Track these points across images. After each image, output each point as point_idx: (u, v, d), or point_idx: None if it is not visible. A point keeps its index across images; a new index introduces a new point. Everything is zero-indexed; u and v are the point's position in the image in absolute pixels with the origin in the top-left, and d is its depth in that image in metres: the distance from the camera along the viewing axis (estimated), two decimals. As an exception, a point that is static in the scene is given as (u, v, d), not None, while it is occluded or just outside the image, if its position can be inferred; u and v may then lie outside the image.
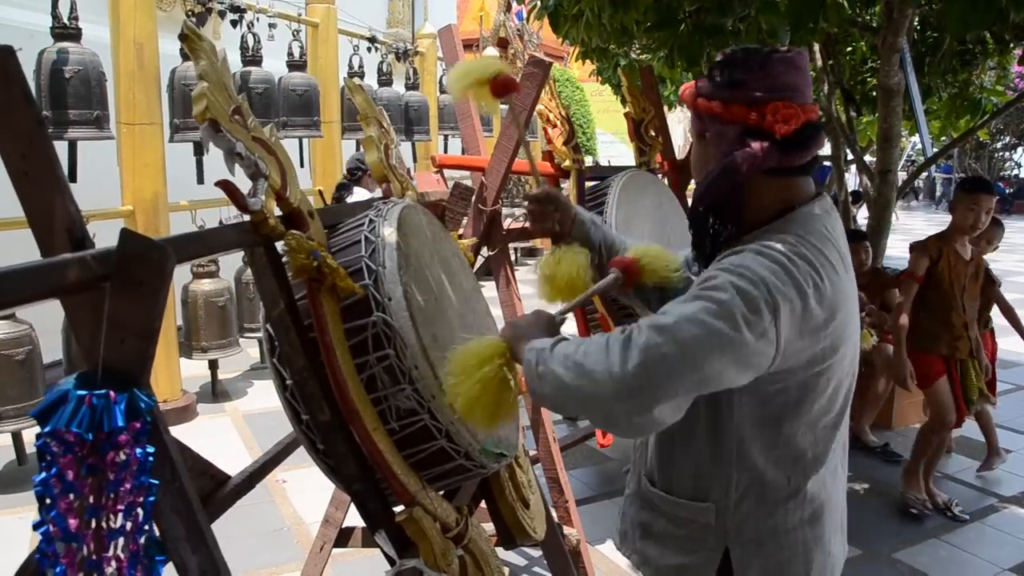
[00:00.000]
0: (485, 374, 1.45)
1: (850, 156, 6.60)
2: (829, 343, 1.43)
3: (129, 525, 1.03)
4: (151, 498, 1.04)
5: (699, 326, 1.31)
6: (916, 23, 5.27)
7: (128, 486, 1.01)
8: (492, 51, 11.80)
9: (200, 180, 5.09)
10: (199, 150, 5.18)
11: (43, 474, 0.98)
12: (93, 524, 1.01)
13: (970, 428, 5.33)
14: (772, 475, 1.51)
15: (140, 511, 1.03)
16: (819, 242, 1.45)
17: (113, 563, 1.02)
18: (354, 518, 2.45)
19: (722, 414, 1.50)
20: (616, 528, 1.79)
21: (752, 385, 1.41)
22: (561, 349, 1.41)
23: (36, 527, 0.99)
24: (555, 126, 3.39)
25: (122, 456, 1.01)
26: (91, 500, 1.01)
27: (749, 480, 1.51)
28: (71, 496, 1.00)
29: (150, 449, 1.03)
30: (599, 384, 1.33)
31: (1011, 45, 5.26)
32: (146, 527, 1.05)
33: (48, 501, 0.99)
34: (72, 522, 0.99)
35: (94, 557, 1.01)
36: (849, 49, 6.25)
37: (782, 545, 1.54)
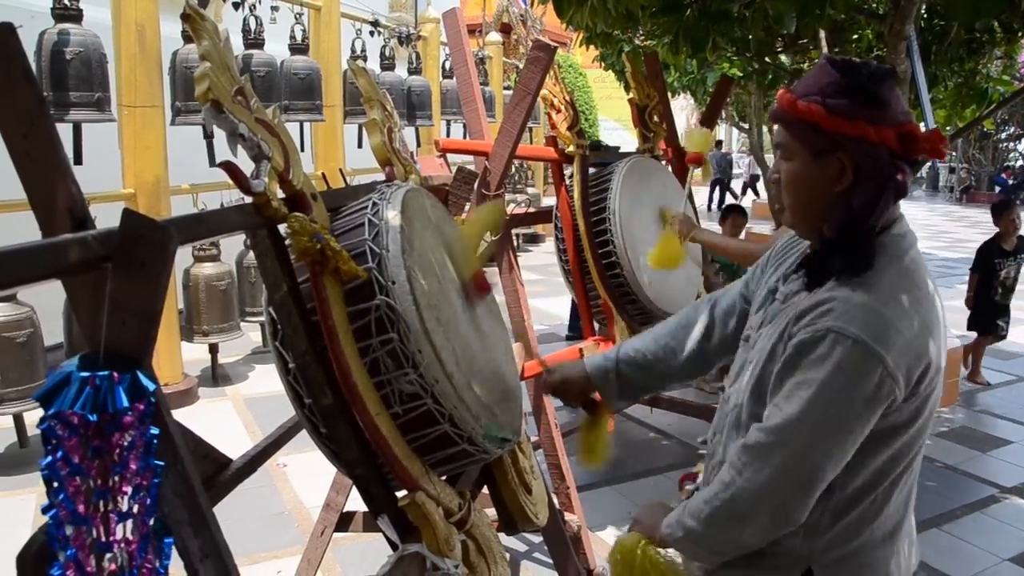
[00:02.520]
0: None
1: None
2: (932, 386, 1.43)
3: (137, 508, 1.02)
4: (157, 480, 1.03)
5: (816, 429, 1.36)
6: (923, 11, 5.23)
7: (134, 467, 1.01)
8: (495, 36, 11.77)
9: (212, 163, 5.06)
10: (208, 132, 5.15)
11: (49, 457, 0.98)
12: (101, 506, 1.01)
13: (971, 418, 5.34)
14: (860, 494, 1.46)
15: (146, 493, 1.03)
16: (916, 286, 1.43)
17: (123, 545, 1.02)
18: (355, 502, 2.45)
19: None
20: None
21: None
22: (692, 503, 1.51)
23: (45, 511, 0.98)
24: (559, 111, 3.38)
25: (127, 437, 1.00)
26: (98, 482, 1.00)
27: (838, 500, 1.46)
28: (78, 479, 0.99)
29: (155, 430, 1.02)
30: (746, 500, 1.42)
31: (1019, 34, 5.22)
32: (154, 509, 1.04)
33: (56, 484, 0.98)
34: (81, 505, 0.99)
35: (104, 539, 1.01)
36: (855, 37, 6.21)
37: (863, 564, 1.50)
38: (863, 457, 1.42)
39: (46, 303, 4.27)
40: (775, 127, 1.55)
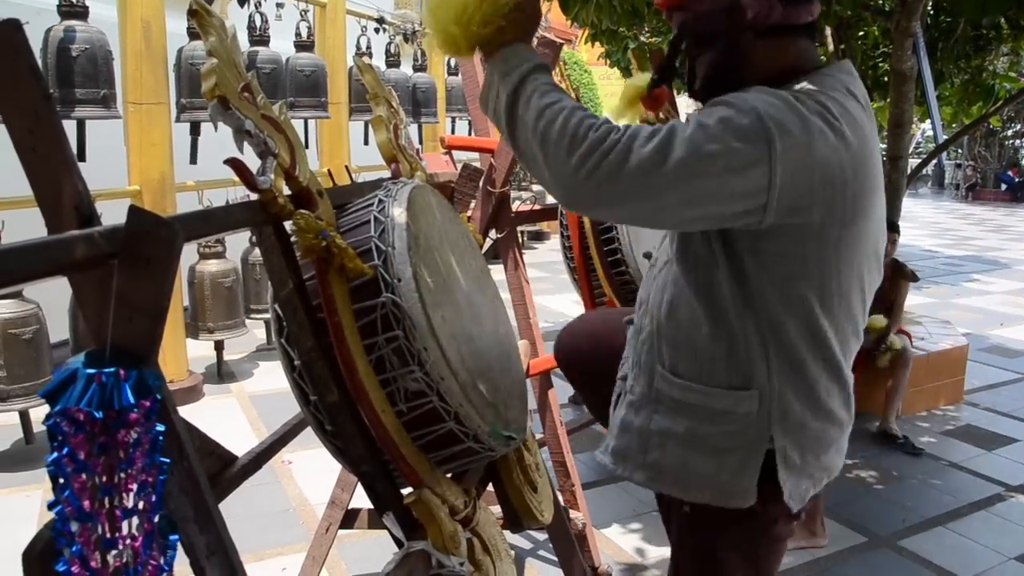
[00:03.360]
0: None
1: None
2: (851, 208, 1.35)
3: (142, 504, 1.02)
4: (162, 476, 1.03)
5: (686, 146, 1.25)
6: (930, 7, 5.21)
7: (140, 464, 1.01)
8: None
9: (193, 160, 5.07)
10: (195, 130, 5.17)
11: (55, 454, 0.98)
12: (107, 503, 1.01)
13: (976, 416, 5.33)
14: (805, 360, 1.43)
15: (152, 490, 1.03)
16: (837, 95, 1.36)
17: (128, 541, 1.02)
18: (360, 500, 2.45)
19: (749, 286, 1.41)
20: (607, 448, 1.69)
21: (764, 245, 1.36)
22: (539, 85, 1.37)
23: (51, 507, 0.98)
24: (565, 108, 3.36)
25: (133, 434, 1.00)
26: (103, 479, 1.00)
27: (786, 364, 1.43)
28: (84, 475, 0.99)
29: (161, 427, 1.02)
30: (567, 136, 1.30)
31: (1026, 31, 5.21)
32: (159, 506, 1.04)
33: (61, 481, 0.98)
34: (86, 502, 0.99)
35: (109, 536, 1.01)
36: (861, 34, 6.19)
37: (819, 439, 1.48)
38: (785, 307, 1.40)
39: (52, 300, 4.28)
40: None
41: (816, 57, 1.48)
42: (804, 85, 1.36)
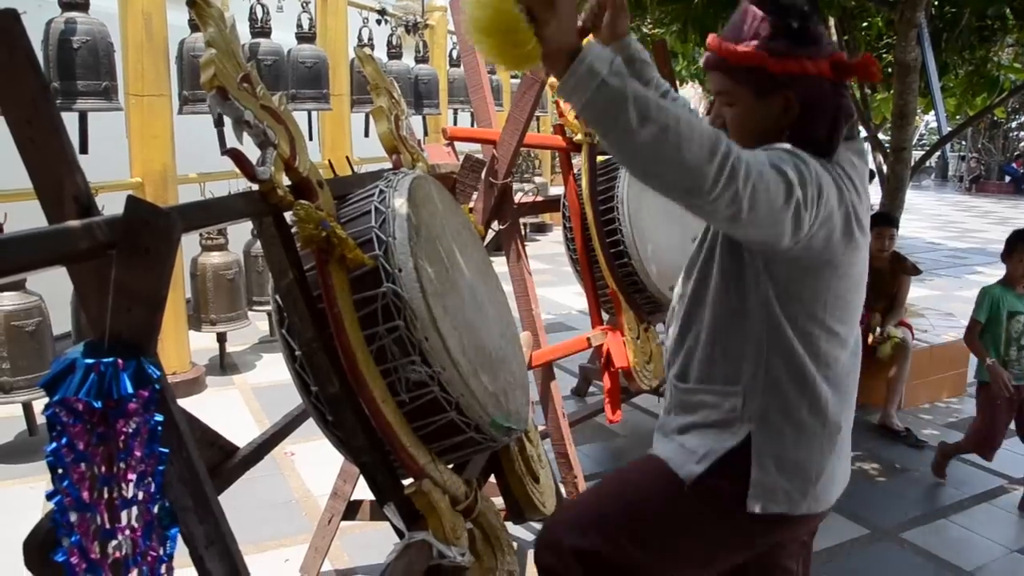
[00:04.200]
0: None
1: (863, 133, 6.54)
2: (849, 247, 1.52)
3: (141, 494, 1.02)
4: (161, 467, 1.03)
5: (776, 166, 1.37)
6: (934, -2, 5.20)
7: (139, 454, 1.01)
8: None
9: (223, 151, 5.06)
10: (220, 120, 5.15)
11: (54, 444, 0.98)
12: (106, 494, 1.01)
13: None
14: (796, 369, 1.56)
15: (151, 480, 1.03)
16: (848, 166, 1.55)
17: (127, 532, 1.02)
18: (362, 491, 2.45)
19: (748, 298, 1.56)
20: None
21: (775, 268, 1.51)
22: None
23: (49, 497, 0.98)
24: (567, 99, 3.35)
25: (132, 424, 1.00)
26: (103, 469, 1.00)
27: (776, 368, 1.57)
28: (83, 466, 0.99)
29: (159, 417, 1.02)
30: (694, 142, 1.27)
31: (1031, 21, 5.18)
32: (158, 496, 1.04)
33: (60, 471, 0.98)
34: (85, 492, 0.99)
35: (108, 526, 1.01)
36: (865, 24, 6.17)
37: (800, 443, 1.59)
38: (784, 319, 1.54)
39: (55, 292, 4.28)
40: (710, 75, 1.60)
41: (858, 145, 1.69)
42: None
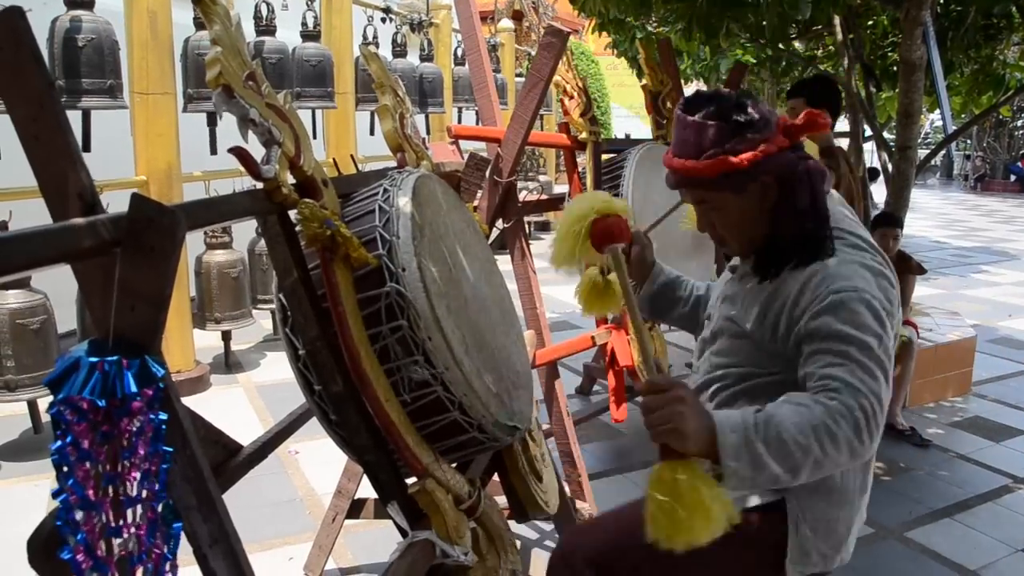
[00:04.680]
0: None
1: (868, 132, 6.52)
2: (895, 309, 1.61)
3: (145, 492, 1.02)
4: (165, 465, 1.03)
5: (872, 367, 1.45)
6: (940, -4, 5.18)
7: (143, 453, 1.01)
8: (507, 23, 11.72)
9: (213, 151, 5.07)
10: (212, 120, 5.16)
11: (58, 442, 0.98)
12: (111, 492, 1.01)
13: (984, 408, 5.31)
14: None
15: (156, 478, 1.03)
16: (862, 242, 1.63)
17: (132, 530, 1.02)
18: (366, 490, 2.45)
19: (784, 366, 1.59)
20: None
21: None
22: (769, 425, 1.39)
23: (55, 495, 0.98)
24: (572, 97, 3.35)
25: (136, 423, 1.00)
26: (107, 468, 1.00)
27: None
28: (87, 464, 0.99)
29: (163, 416, 1.02)
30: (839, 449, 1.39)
31: (1037, 20, 5.17)
32: (163, 494, 1.04)
33: (65, 469, 0.98)
34: (90, 490, 0.99)
35: (113, 524, 1.01)
36: (870, 23, 6.15)
37: (834, 503, 1.63)
38: None
39: (60, 290, 4.28)
40: (685, 191, 1.69)
41: None
42: (852, 242, 1.63)
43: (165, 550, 1.05)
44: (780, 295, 1.58)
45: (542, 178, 12.38)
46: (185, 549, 1.08)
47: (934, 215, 17.51)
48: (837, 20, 5.41)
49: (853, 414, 1.38)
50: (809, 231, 1.57)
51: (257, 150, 1.43)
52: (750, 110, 1.53)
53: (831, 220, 1.60)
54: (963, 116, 7.83)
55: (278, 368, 5.84)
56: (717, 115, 1.53)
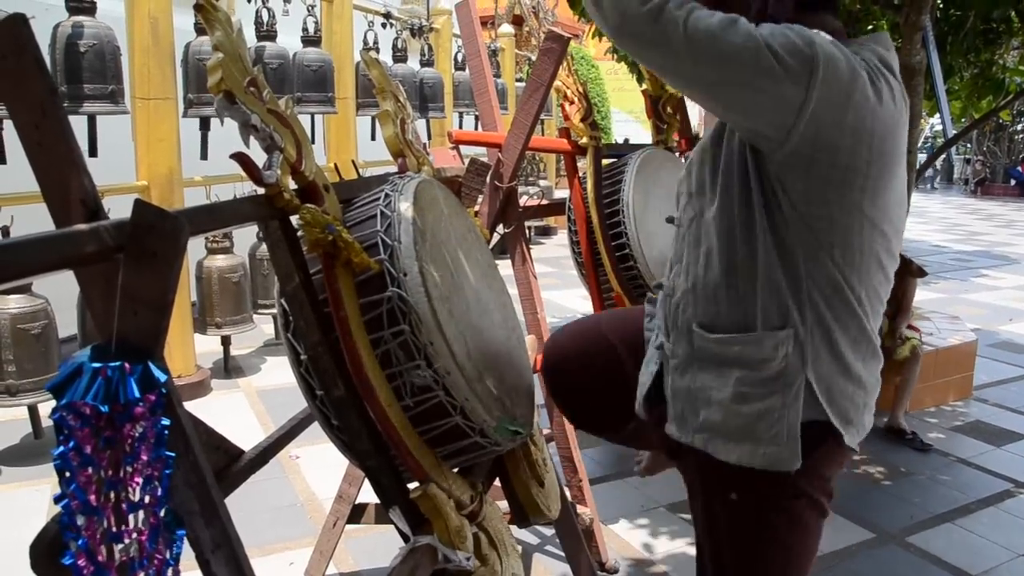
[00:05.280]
0: None
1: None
2: (876, 162, 1.41)
3: (148, 498, 1.02)
4: (168, 470, 1.03)
5: (744, 35, 1.33)
6: (939, 1, 5.18)
7: (145, 458, 1.01)
8: (508, 28, 11.74)
9: (204, 156, 5.08)
10: (205, 124, 5.17)
11: (61, 448, 0.98)
12: (112, 497, 1.01)
13: (985, 412, 5.31)
14: (827, 315, 1.47)
15: (158, 484, 1.03)
16: (875, 61, 1.44)
17: (134, 535, 1.02)
18: (367, 495, 2.45)
19: (780, 234, 1.46)
20: (670, 417, 1.67)
21: (792, 182, 1.41)
22: None
23: (57, 500, 0.99)
24: (572, 102, 3.36)
25: (138, 428, 1.00)
26: (109, 473, 1.01)
27: (814, 315, 1.47)
28: (90, 469, 0.99)
29: (166, 421, 1.02)
30: None
31: (1037, 24, 5.17)
32: (165, 500, 1.04)
33: (68, 474, 0.98)
34: (92, 495, 0.99)
35: (115, 530, 1.01)
36: (870, 28, 6.16)
37: (850, 380, 1.52)
38: (815, 246, 1.44)
39: (60, 295, 4.29)
40: None
41: (843, 30, 1.53)
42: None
43: (167, 556, 1.05)
44: None
45: (543, 183, 12.39)
46: (185, 554, 1.08)
47: (934, 219, 17.53)
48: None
49: None
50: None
51: (259, 155, 1.44)
52: None
53: None
54: (963, 120, 7.83)
55: (278, 373, 5.84)
56: None
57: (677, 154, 4.11)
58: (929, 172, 25.30)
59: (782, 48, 1.32)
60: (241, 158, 1.37)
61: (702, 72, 1.39)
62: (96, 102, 4.44)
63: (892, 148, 1.44)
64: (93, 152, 4.30)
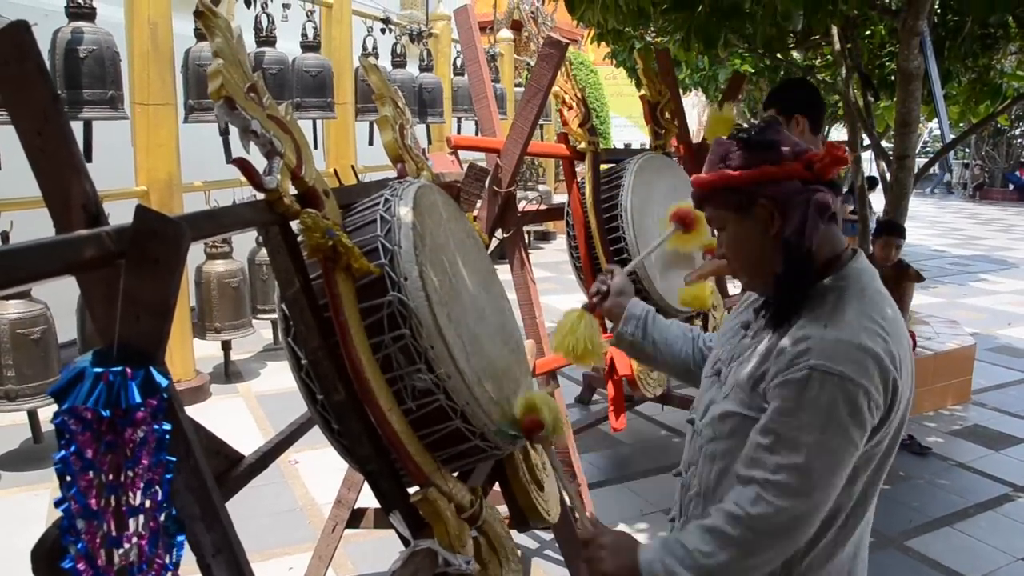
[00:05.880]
0: None
1: (866, 141, 6.53)
2: (902, 409, 1.46)
3: (148, 503, 1.03)
4: (168, 475, 1.03)
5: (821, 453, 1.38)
6: (937, 6, 5.19)
7: (146, 463, 1.01)
8: (507, 33, 11.76)
9: (228, 159, 5.07)
10: (227, 129, 5.17)
11: (62, 452, 0.98)
12: (113, 501, 1.01)
13: (984, 416, 5.31)
14: (833, 518, 1.49)
15: (158, 488, 1.03)
16: (883, 318, 1.46)
17: (134, 539, 1.02)
18: (366, 499, 2.45)
19: None
20: None
21: None
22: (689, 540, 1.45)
23: (58, 504, 0.99)
24: (571, 108, 3.37)
25: (140, 433, 1.00)
26: (110, 477, 1.01)
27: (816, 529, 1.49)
28: (90, 474, 0.99)
29: (167, 426, 1.03)
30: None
31: (1034, 29, 5.18)
32: (165, 504, 1.04)
33: (68, 479, 0.99)
34: (93, 500, 0.99)
35: (115, 534, 1.01)
36: (868, 32, 6.18)
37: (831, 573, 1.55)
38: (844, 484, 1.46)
39: (60, 300, 4.29)
40: (705, 211, 1.63)
41: (843, 238, 1.59)
42: (866, 311, 1.45)
43: (167, 560, 1.06)
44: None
45: (541, 188, 12.41)
46: (185, 558, 1.08)
47: (932, 224, 17.55)
48: (835, 30, 5.43)
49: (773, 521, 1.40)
50: (794, 265, 1.49)
51: (259, 161, 1.44)
52: (765, 135, 1.49)
53: (853, 284, 1.49)
54: (961, 125, 7.84)
55: (278, 378, 5.85)
56: (734, 137, 1.52)
57: (675, 159, 4.12)
58: (938, 176, 25.31)
59: (850, 417, 1.38)
60: (241, 163, 1.38)
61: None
62: (96, 107, 4.45)
63: (908, 377, 1.50)
64: (88, 157, 4.31)
